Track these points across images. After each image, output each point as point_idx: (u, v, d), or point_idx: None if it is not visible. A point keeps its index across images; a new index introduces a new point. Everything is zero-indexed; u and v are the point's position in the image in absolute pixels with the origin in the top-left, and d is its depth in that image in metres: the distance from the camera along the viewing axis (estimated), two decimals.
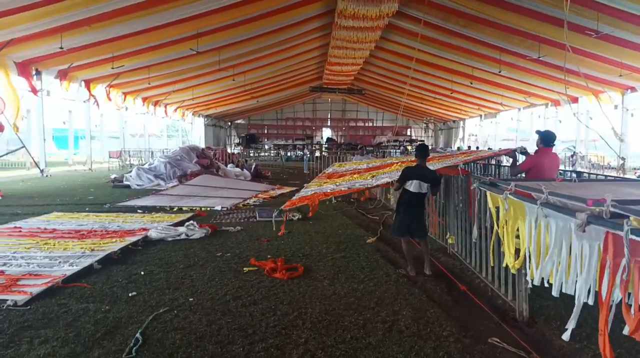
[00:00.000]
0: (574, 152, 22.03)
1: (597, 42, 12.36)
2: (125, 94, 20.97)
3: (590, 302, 2.54)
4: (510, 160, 6.40)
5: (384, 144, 34.38)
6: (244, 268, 5.15)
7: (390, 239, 7.09)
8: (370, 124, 42.04)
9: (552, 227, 2.80)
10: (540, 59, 14.80)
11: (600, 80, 16.09)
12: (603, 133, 16.25)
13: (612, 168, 19.33)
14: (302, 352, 3.22)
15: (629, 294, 2.12)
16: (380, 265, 5.47)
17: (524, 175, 5.78)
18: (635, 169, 18.30)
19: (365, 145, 33.02)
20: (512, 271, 3.66)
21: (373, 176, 7.09)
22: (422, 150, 5.71)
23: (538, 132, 5.67)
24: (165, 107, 25.78)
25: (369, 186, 6.17)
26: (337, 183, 7.01)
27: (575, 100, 19.99)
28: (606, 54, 13.41)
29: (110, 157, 24.36)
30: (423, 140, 38.83)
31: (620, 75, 14.67)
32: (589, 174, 8.63)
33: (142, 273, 4.92)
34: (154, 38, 14.62)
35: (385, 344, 3.38)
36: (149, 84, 18.87)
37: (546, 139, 5.41)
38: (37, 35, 12.49)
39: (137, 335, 3.34)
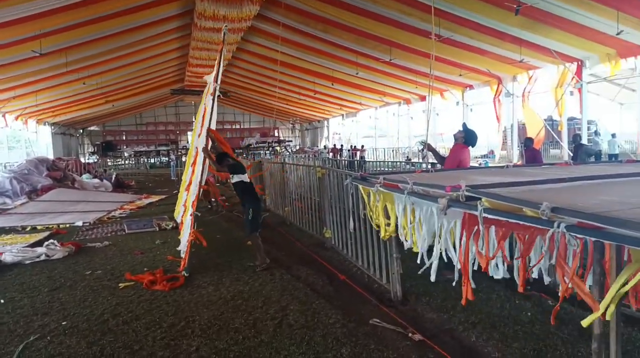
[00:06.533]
0: (423, 146, 24.45)
1: (440, 45, 13.85)
2: None
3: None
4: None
5: (253, 146, 34.40)
6: (120, 284, 4.84)
7: (268, 237, 7.19)
8: (238, 126, 41.71)
9: (416, 211, 3.17)
10: (392, 61, 16.16)
11: (444, 79, 18.11)
12: (449, 127, 18.33)
13: None
14: None
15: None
16: None
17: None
18: (476, 157, 20.94)
19: (234, 148, 32.84)
20: (384, 238, 4.05)
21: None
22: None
23: (465, 127, 5.62)
24: (4, 115, 22.60)
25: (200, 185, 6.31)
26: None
27: (423, 98, 22.27)
28: (447, 55, 15.02)
29: None
30: (291, 140, 39.66)
31: (460, 75, 16.72)
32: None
33: (2, 301, 4.36)
34: None
35: (277, 339, 3.48)
36: None
37: (471, 139, 5.46)
38: None
39: None
